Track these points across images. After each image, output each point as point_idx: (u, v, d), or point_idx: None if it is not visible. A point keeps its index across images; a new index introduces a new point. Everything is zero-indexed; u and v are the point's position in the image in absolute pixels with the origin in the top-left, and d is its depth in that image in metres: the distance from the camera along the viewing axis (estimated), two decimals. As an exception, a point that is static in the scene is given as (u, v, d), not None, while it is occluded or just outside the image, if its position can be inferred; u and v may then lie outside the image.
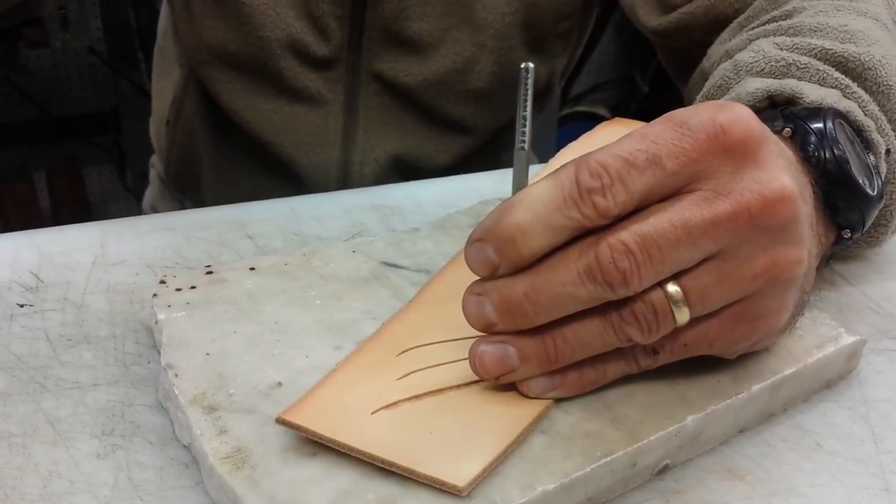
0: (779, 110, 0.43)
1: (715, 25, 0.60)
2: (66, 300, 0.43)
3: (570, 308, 0.33)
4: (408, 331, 0.38)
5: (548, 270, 0.32)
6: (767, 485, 0.35)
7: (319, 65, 0.68)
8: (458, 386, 0.35)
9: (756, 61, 0.47)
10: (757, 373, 0.37)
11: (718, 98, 0.48)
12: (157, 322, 0.40)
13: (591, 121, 1.67)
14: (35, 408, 0.37)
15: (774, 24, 0.53)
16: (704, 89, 0.51)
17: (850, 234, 0.42)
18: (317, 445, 0.33)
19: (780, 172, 0.33)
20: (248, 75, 0.69)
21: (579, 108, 1.79)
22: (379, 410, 0.34)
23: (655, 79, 1.66)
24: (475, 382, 0.35)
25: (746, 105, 0.40)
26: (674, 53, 0.67)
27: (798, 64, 0.46)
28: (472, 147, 0.76)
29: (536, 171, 0.42)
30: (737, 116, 0.33)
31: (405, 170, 0.75)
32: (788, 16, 0.53)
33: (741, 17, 0.58)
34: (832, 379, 0.41)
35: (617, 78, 1.73)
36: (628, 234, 0.31)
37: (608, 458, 0.33)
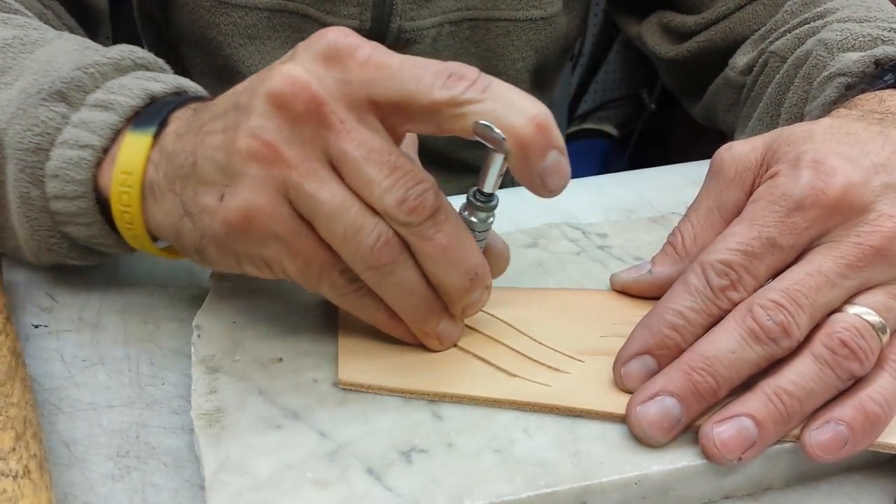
0: (880, 69, 0.45)
1: (734, 47, 0.61)
2: (81, 321, 0.43)
3: (745, 372, 0.34)
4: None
5: (711, 344, 0.34)
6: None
7: None
8: None
9: (845, 38, 0.49)
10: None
11: (814, 77, 0.49)
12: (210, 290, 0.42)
13: (598, 138, 1.67)
14: (50, 429, 0.37)
15: (821, 20, 0.54)
16: (790, 62, 0.52)
17: None
18: (284, 418, 0.35)
19: (886, 206, 0.35)
20: None
21: (586, 126, 1.79)
22: None
23: (662, 96, 1.67)
24: None
25: (856, 73, 0.44)
26: (685, 76, 0.67)
27: (882, 38, 0.48)
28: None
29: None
30: (831, 173, 0.35)
31: None
32: (829, 13, 0.54)
33: (762, 30, 0.59)
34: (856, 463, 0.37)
35: (624, 96, 1.74)
36: (773, 292, 0.34)
37: (549, 490, 0.32)
